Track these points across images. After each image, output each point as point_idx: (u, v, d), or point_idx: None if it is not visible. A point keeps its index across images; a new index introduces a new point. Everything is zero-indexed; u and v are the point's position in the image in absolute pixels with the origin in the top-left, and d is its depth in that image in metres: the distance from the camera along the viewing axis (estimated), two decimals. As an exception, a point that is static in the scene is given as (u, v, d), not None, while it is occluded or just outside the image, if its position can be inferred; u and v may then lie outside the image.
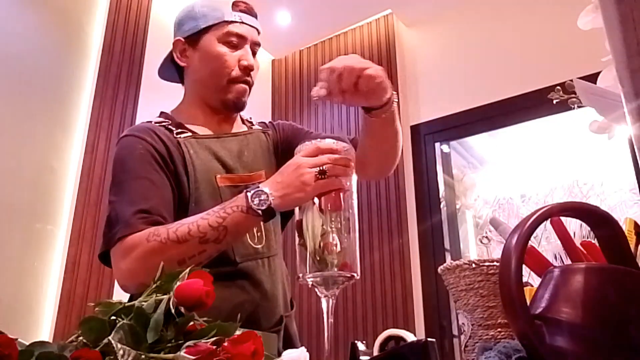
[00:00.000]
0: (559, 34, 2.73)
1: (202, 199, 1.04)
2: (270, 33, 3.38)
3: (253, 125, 1.26)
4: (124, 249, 0.91)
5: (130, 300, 0.70)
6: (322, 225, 0.73)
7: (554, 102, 1.22)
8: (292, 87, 3.57)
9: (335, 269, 0.71)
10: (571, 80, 1.07)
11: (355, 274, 0.73)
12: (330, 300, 0.71)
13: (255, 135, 1.21)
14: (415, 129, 3.15)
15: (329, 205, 0.76)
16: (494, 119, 2.96)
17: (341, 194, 0.78)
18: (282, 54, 3.64)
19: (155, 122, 1.12)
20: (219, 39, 1.12)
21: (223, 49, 1.11)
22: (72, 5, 2.48)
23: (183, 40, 1.16)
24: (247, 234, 1.07)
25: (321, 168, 0.80)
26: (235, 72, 1.12)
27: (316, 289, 0.72)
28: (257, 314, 1.05)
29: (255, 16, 1.18)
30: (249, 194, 0.87)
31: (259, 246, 1.09)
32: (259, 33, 1.18)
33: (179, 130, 1.11)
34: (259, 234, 1.10)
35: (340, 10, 3.26)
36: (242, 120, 1.26)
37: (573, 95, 1.12)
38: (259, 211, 0.85)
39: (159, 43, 2.78)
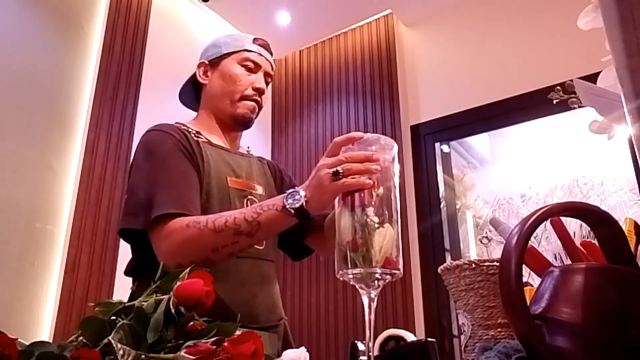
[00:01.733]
0: (559, 34, 2.73)
1: (212, 193, 1.12)
2: (270, 33, 3.38)
3: (250, 152, 1.38)
4: (166, 233, 0.98)
5: (130, 299, 0.70)
6: (354, 222, 0.71)
7: (554, 102, 1.22)
8: (292, 87, 3.57)
9: (376, 266, 0.68)
10: (571, 80, 1.07)
11: (396, 271, 0.70)
12: (372, 297, 0.69)
13: (255, 160, 1.33)
14: (415, 129, 3.14)
15: (353, 202, 0.74)
16: (494, 119, 2.96)
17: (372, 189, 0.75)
18: (282, 54, 3.64)
19: (176, 125, 1.21)
20: (238, 62, 1.27)
21: (240, 70, 1.26)
22: (72, 5, 2.48)
23: (207, 62, 1.30)
24: None
25: (336, 169, 0.81)
26: (248, 91, 1.25)
27: (357, 287, 0.70)
28: (257, 311, 1.10)
29: (271, 53, 1.35)
30: (285, 194, 0.92)
31: (260, 247, 1.15)
32: (272, 68, 1.34)
33: (197, 135, 1.20)
34: None
35: (340, 10, 3.25)
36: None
37: (573, 95, 1.12)
38: (292, 210, 0.90)
39: (159, 43, 2.79)
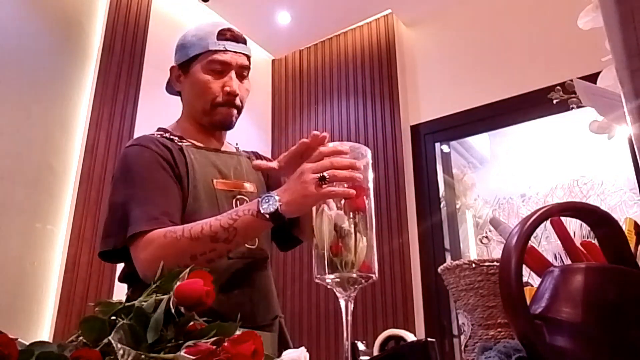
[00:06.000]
0: (559, 34, 2.73)
1: (200, 196, 1.11)
2: (270, 33, 3.38)
3: (239, 149, 1.35)
4: (144, 243, 0.98)
5: (127, 301, 0.71)
6: (334, 227, 0.73)
7: (554, 102, 1.22)
8: (292, 87, 3.56)
9: (354, 270, 0.71)
10: (571, 80, 1.07)
11: (372, 275, 0.72)
12: (350, 301, 0.72)
13: (244, 157, 1.30)
14: (415, 129, 3.14)
15: (349, 206, 0.76)
16: (494, 119, 2.96)
17: (364, 195, 0.77)
18: (282, 54, 3.63)
19: (157, 134, 1.20)
20: (203, 68, 1.20)
21: (207, 77, 1.19)
22: (72, 5, 2.48)
23: (177, 67, 1.26)
24: None
25: (322, 174, 0.81)
26: (220, 97, 1.19)
27: (334, 290, 0.72)
28: (253, 311, 1.10)
29: (244, 42, 1.24)
30: (259, 199, 0.92)
31: (253, 247, 1.15)
32: (248, 58, 1.24)
33: (181, 140, 1.19)
34: None
35: (340, 10, 3.25)
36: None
37: (573, 95, 1.12)
38: (267, 215, 0.90)
39: (159, 43, 2.78)
